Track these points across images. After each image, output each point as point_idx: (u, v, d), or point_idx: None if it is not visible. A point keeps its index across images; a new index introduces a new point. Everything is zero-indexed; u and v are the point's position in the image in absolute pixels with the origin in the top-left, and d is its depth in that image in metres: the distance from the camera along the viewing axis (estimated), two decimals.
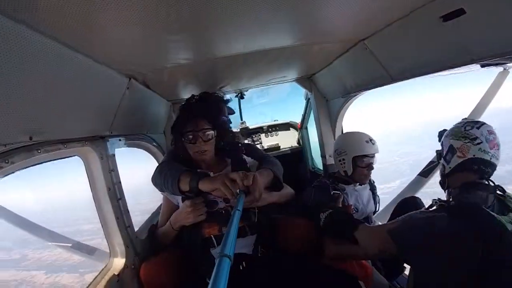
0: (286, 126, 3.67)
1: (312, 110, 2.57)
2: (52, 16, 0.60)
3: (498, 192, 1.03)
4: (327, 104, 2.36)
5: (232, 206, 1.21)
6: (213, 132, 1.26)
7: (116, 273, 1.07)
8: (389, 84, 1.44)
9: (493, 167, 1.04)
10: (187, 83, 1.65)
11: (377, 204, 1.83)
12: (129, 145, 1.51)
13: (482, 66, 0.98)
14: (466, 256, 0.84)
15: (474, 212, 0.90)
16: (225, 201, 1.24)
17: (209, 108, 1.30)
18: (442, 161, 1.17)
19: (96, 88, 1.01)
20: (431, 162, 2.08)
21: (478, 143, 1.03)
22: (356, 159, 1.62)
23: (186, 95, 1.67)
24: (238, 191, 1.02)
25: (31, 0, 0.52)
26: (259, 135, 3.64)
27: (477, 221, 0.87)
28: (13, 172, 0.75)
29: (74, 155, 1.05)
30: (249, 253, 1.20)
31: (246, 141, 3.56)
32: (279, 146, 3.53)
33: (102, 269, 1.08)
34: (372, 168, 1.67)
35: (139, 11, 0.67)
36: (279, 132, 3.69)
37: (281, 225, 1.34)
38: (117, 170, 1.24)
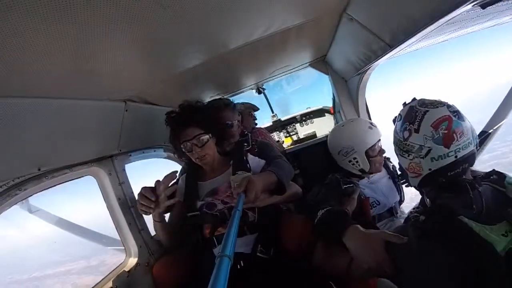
0: (320, 112, 3.41)
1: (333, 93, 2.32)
2: (43, 81, 0.75)
3: (492, 179, 0.72)
4: (346, 84, 2.09)
5: (229, 208, 1.25)
6: (207, 136, 1.29)
7: (127, 270, 1.23)
8: (390, 52, 1.17)
9: (464, 161, 0.75)
10: (190, 89, 1.67)
11: (401, 192, 1.56)
12: (145, 158, 1.72)
13: (483, 7, 0.67)
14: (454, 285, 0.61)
15: (448, 230, 0.65)
16: (223, 203, 1.29)
17: (198, 115, 1.32)
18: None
19: (95, 119, 1.14)
20: (481, 133, 1.63)
21: (427, 153, 0.75)
22: (368, 152, 1.44)
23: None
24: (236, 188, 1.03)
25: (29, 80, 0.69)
26: (294, 125, 3.49)
27: (455, 242, 0.63)
28: (27, 197, 1.01)
29: (84, 176, 1.27)
30: (246, 252, 1.21)
31: (282, 134, 3.49)
32: (315, 134, 3.32)
33: (116, 267, 1.26)
34: (384, 151, 1.48)
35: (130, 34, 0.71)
36: (315, 120, 3.46)
37: (280, 223, 1.30)
38: (128, 182, 1.42)
